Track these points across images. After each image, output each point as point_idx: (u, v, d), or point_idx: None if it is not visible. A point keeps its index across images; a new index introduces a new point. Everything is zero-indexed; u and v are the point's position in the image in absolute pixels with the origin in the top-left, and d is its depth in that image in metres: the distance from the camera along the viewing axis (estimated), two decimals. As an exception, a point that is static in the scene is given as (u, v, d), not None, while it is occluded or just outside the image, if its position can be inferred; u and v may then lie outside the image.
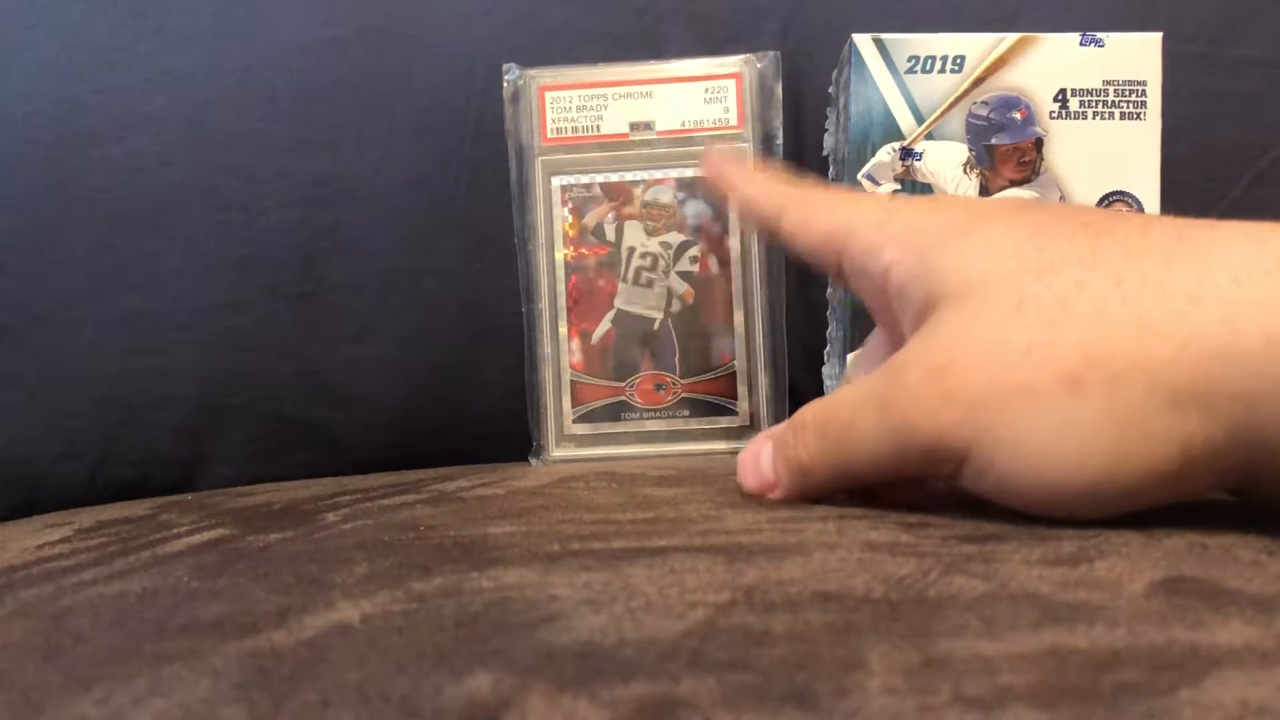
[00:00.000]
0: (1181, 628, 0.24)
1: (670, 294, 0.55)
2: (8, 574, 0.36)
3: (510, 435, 0.55)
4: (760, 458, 0.39)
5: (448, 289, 0.56)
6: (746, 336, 0.55)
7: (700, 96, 0.55)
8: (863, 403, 0.35)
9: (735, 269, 0.55)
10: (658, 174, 0.55)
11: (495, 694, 0.22)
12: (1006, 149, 0.49)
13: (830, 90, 0.55)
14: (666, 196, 0.55)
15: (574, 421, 0.55)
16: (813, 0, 0.56)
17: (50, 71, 0.56)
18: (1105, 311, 0.30)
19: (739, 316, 0.55)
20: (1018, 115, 0.49)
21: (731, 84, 0.55)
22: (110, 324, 0.56)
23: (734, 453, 0.54)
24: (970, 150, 0.50)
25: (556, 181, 0.55)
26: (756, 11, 0.56)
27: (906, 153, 0.50)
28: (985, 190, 0.49)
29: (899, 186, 0.49)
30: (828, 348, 0.54)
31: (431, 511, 0.41)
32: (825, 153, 0.55)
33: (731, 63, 0.55)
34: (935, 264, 0.34)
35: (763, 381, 0.55)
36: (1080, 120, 0.49)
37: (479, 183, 0.56)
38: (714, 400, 0.55)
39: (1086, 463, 0.30)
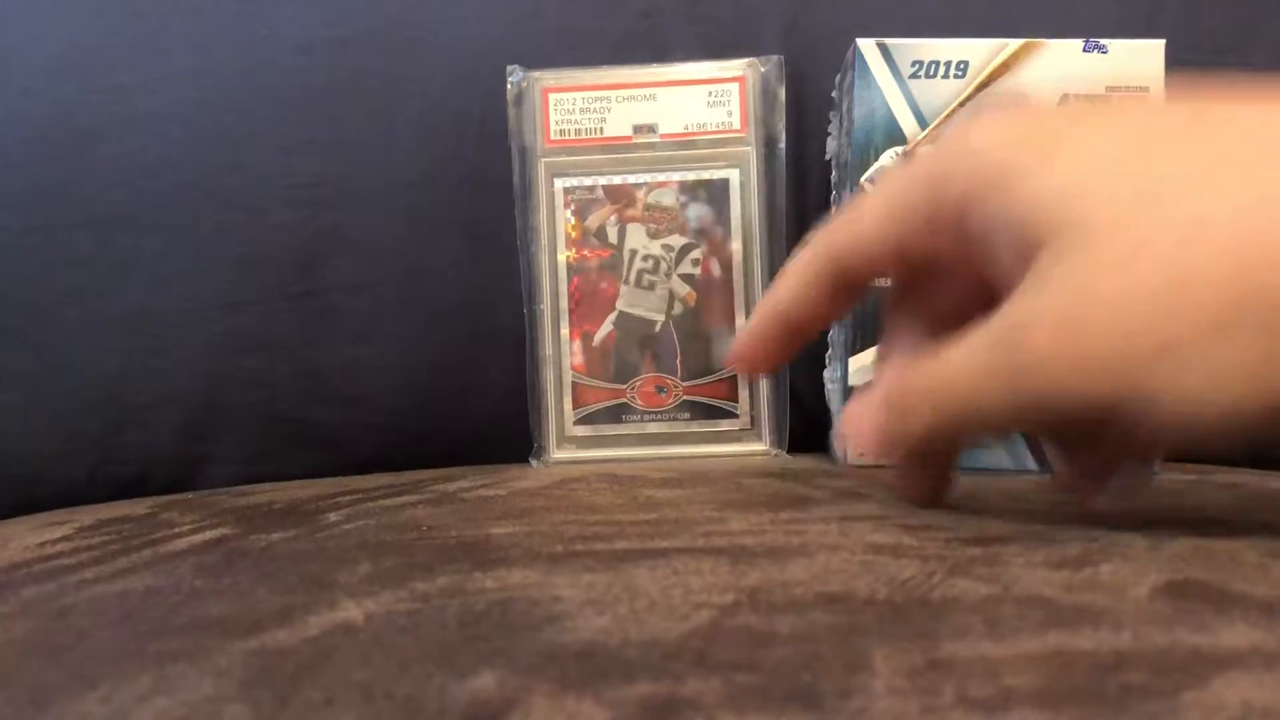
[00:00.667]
0: (1186, 630, 0.24)
1: (672, 296, 0.55)
2: (9, 572, 0.36)
3: (511, 437, 0.55)
4: (862, 419, 0.36)
5: (449, 290, 0.56)
6: (748, 339, 0.55)
7: (703, 100, 0.55)
8: (984, 373, 0.31)
9: (737, 272, 0.55)
10: (660, 177, 0.55)
11: (499, 693, 0.22)
12: None
13: (833, 95, 0.55)
14: (669, 199, 0.55)
15: (575, 423, 0.55)
16: (816, 4, 0.56)
17: (52, 71, 0.56)
18: (1240, 237, 0.27)
19: (740, 319, 0.55)
20: None
21: (735, 87, 0.55)
22: (111, 323, 0.55)
23: (734, 455, 0.54)
24: None
25: (559, 183, 0.55)
26: (760, 15, 0.57)
27: (909, 157, 0.49)
28: None
29: None
30: (829, 351, 0.54)
31: (433, 512, 0.41)
32: (828, 157, 0.55)
33: (735, 66, 0.55)
34: (1024, 194, 0.30)
35: (764, 384, 0.54)
36: None
37: (481, 184, 0.56)
38: (715, 403, 0.55)
39: (1244, 403, 0.27)
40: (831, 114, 0.55)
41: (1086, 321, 0.28)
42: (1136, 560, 0.30)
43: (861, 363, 0.49)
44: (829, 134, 0.55)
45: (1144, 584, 0.27)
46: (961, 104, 0.49)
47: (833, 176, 0.54)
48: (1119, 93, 0.49)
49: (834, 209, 0.54)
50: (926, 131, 0.49)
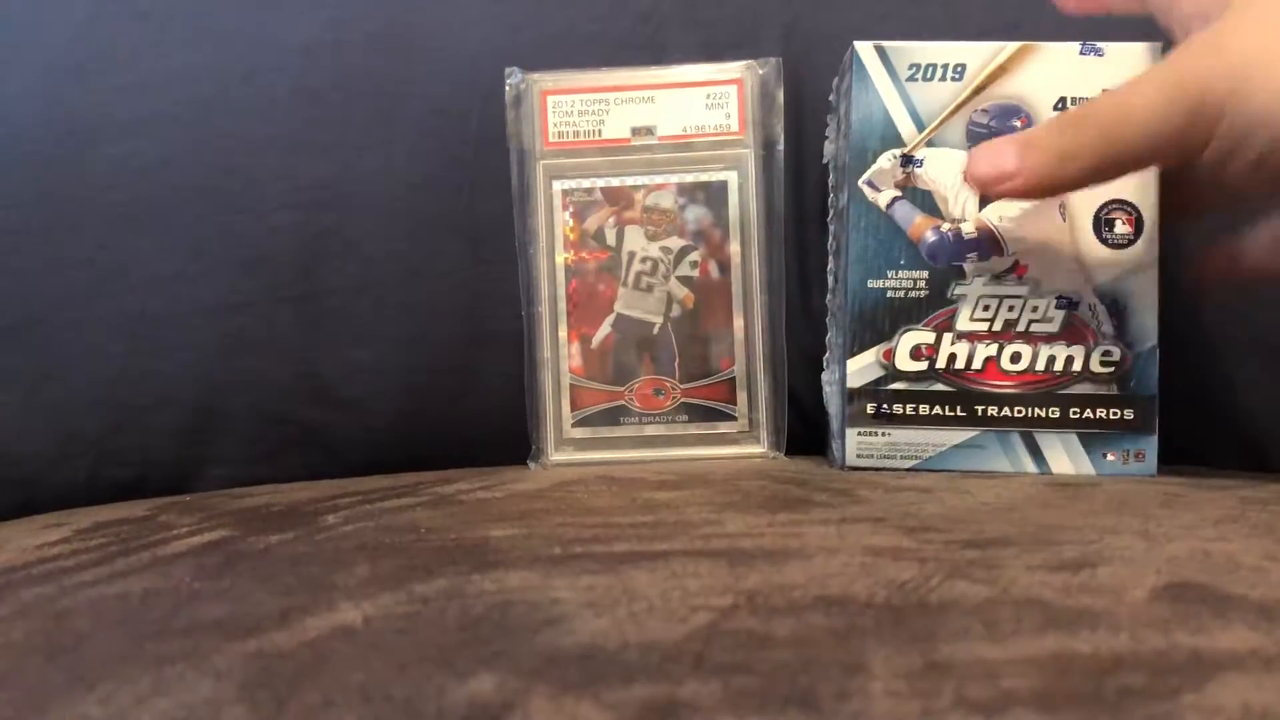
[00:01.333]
0: (1184, 633, 0.24)
1: (670, 299, 0.55)
2: (7, 574, 0.36)
3: (509, 439, 0.55)
4: (1001, 150, 0.42)
5: (448, 292, 0.56)
6: (746, 342, 0.55)
7: (702, 102, 0.55)
8: (1142, 79, 0.41)
9: (735, 274, 0.55)
10: (659, 179, 0.55)
11: (498, 696, 0.22)
12: None
13: (831, 98, 0.54)
14: (667, 201, 0.55)
15: (573, 425, 0.55)
16: (814, 7, 0.56)
17: (52, 73, 0.56)
18: None
19: (738, 322, 0.55)
20: (1018, 123, 0.49)
21: (733, 90, 0.55)
22: (110, 325, 0.55)
23: (733, 458, 0.54)
24: None
25: (558, 185, 0.55)
26: (758, 18, 0.57)
27: (907, 159, 0.49)
28: (985, 199, 0.49)
29: (899, 194, 0.49)
30: (827, 354, 0.54)
31: (431, 514, 0.41)
32: (825, 160, 0.55)
33: (733, 69, 0.55)
34: None
35: (762, 387, 0.55)
36: None
37: (480, 186, 0.56)
38: (713, 405, 0.55)
39: None
40: (829, 117, 0.55)
41: (1231, 33, 0.40)
42: (1134, 562, 0.30)
43: (861, 364, 0.49)
44: (826, 137, 0.55)
45: (1142, 586, 0.28)
46: (958, 107, 0.49)
47: (830, 179, 0.54)
48: None
49: (831, 213, 0.53)
50: (923, 134, 0.49)
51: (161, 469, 0.56)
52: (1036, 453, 0.48)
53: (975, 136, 0.49)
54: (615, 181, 0.55)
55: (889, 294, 0.49)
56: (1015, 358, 0.48)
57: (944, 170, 0.49)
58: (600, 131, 0.55)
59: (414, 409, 0.57)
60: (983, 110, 0.49)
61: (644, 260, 0.55)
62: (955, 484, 0.44)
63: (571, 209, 0.55)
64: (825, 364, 0.54)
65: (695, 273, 0.55)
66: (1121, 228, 0.48)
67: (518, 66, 0.55)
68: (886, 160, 0.49)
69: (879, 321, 0.49)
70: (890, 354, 0.49)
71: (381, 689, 0.23)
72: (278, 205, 0.56)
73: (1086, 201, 0.48)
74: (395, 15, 0.57)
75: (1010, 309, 0.48)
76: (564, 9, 0.57)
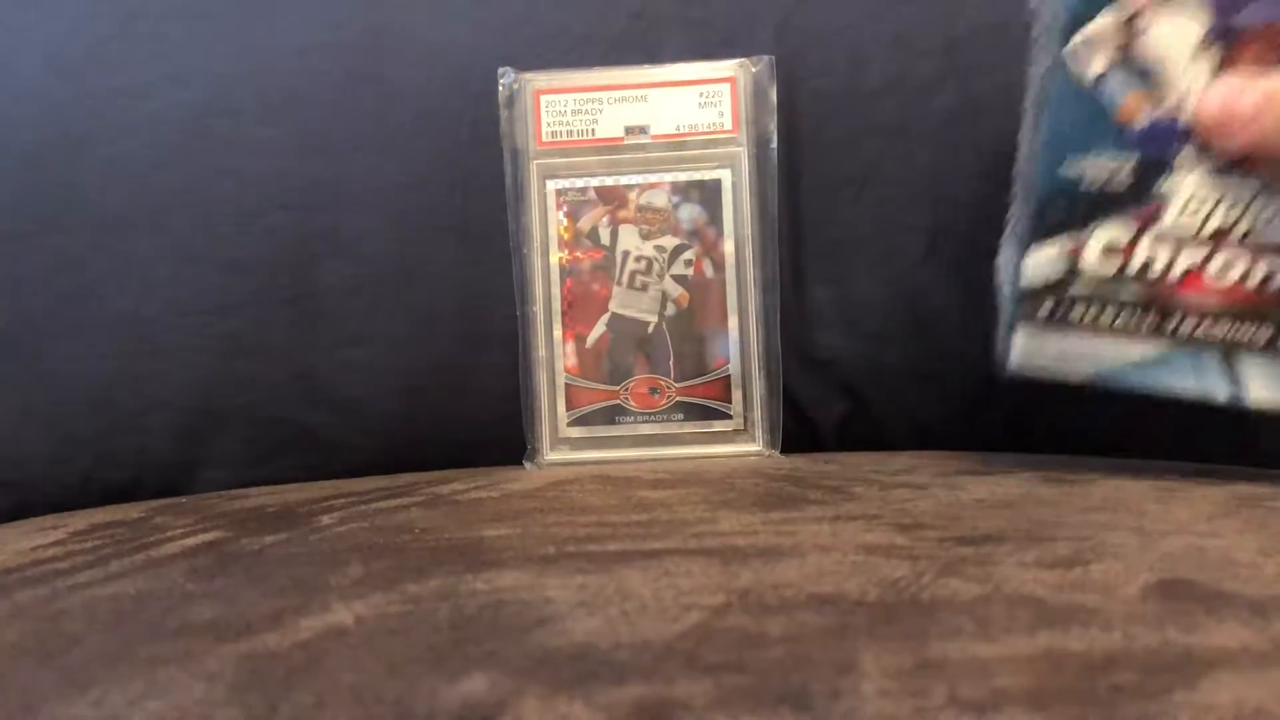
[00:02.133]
0: (1177, 630, 0.24)
1: (665, 298, 0.55)
2: (2, 576, 0.36)
3: (504, 439, 0.55)
4: (1241, 99, 0.39)
5: (442, 292, 0.56)
6: (741, 340, 0.55)
7: (695, 101, 0.55)
8: None
9: (730, 273, 0.55)
10: (652, 178, 0.55)
11: (490, 696, 0.22)
12: (1256, 29, 0.40)
13: None
14: (661, 200, 0.55)
15: (568, 425, 0.55)
16: (806, 4, 0.56)
17: (45, 75, 0.56)
18: None
19: (733, 320, 0.55)
20: None
21: (726, 88, 0.55)
22: (104, 327, 0.55)
23: (728, 456, 0.54)
24: (1211, 27, 0.40)
25: (551, 185, 0.55)
26: (751, 16, 0.56)
27: (1129, 19, 0.40)
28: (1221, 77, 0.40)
29: (1116, 60, 0.41)
30: (1007, 230, 0.46)
31: (426, 514, 0.41)
32: (1032, 4, 0.44)
33: (726, 67, 0.55)
34: None
35: (757, 385, 0.54)
36: None
37: (474, 186, 0.56)
38: (708, 404, 0.55)
39: None
40: None
41: None
42: (1128, 559, 0.30)
43: (1043, 257, 0.42)
44: None
45: (1135, 583, 0.28)
46: None
47: (1033, 29, 0.44)
48: None
49: (1032, 64, 0.44)
50: None
51: (157, 471, 0.56)
52: (1234, 378, 0.42)
53: (1222, 1, 0.40)
54: (609, 181, 0.55)
55: (1085, 181, 0.42)
56: (1225, 269, 0.41)
57: (1175, 39, 0.40)
58: (593, 131, 0.55)
59: (409, 409, 0.57)
60: None
61: (638, 259, 0.55)
62: (950, 480, 0.44)
63: (565, 208, 0.55)
64: (1003, 242, 0.46)
65: (690, 271, 0.55)
66: None
67: (510, 66, 0.55)
68: (1102, 22, 0.41)
69: (1070, 210, 0.42)
70: (1078, 251, 0.42)
71: (373, 689, 0.23)
72: (271, 207, 0.56)
73: None
74: (387, 16, 0.56)
75: (1228, 211, 0.40)
76: (556, 8, 0.57)
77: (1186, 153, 0.41)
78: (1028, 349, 0.43)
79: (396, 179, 0.56)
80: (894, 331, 0.56)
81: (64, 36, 0.56)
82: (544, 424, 0.55)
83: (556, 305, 0.55)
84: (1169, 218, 0.41)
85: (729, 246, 0.55)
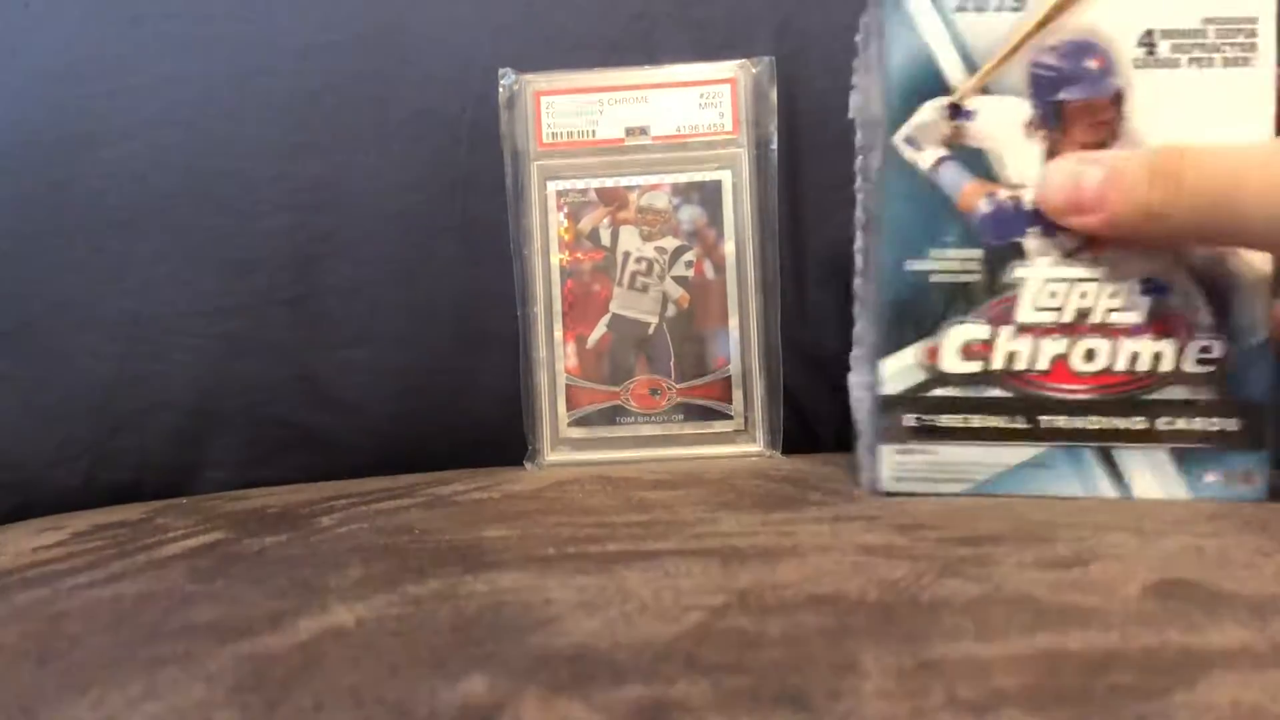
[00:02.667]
0: (1175, 630, 0.24)
1: (665, 298, 0.55)
2: (3, 577, 0.36)
3: (505, 440, 0.55)
4: (1083, 179, 0.38)
5: (443, 293, 0.56)
6: (741, 341, 0.55)
7: (695, 102, 0.55)
8: (1261, 163, 0.36)
9: (730, 273, 0.55)
10: (653, 179, 0.55)
11: (490, 697, 0.22)
12: (1078, 106, 0.40)
13: (858, 38, 0.45)
14: (662, 201, 0.55)
15: (569, 426, 0.55)
16: (807, 5, 0.56)
17: (46, 76, 0.56)
18: None
19: (734, 321, 0.55)
20: (1093, 64, 0.40)
21: (726, 89, 0.55)
22: (105, 328, 0.55)
23: (729, 457, 0.54)
24: (1034, 108, 0.40)
25: (552, 186, 0.55)
26: (751, 17, 0.56)
27: (956, 110, 0.41)
28: (1052, 157, 0.40)
29: (946, 153, 0.41)
30: (855, 350, 0.45)
31: (426, 515, 0.41)
32: (851, 115, 0.46)
33: (726, 68, 0.55)
34: None
35: (758, 386, 0.54)
36: (1172, 69, 0.40)
37: (474, 187, 0.56)
38: (709, 405, 0.55)
39: None
40: (855, 62, 0.46)
41: None
42: (1127, 560, 0.30)
43: (898, 365, 0.41)
44: (852, 86, 0.46)
45: (1134, 583, 0.28)
46: (1020, 44, 0.40)
47: (858, 138, 0.45)
48: (1217, 26, 0.40)
49: (859, 180, 0.45)
50: (976, 78, 0.41)
51: (158, 472, 0.56)
52: (1116, 473, 0.40)
53: (1040, 81, 0.40)
54: (609, 182, 0.55)
55: (933, 278, 0.41)
56: (1090, 356, 0.40)
57: (1001, 123, 0.41)
58: (594, 132, 0.55)
59: (410, 410, 0.57)
60: (1050, 48, 0.40)
61: (639, 260, 0.55)
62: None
63: (566, 209, 0.55)
64: (852, 363, 0.45)
65: (690, 272, 0.55)
66: None
67: (511, 67, 0.55)
68: (930, 112, 0.41)
69: (921, 313, 0.41)
70: (935, 353, 0.41)
71: (373, 691, 0.23)
72: (272, 208, 0.56)
73: None
74: (388, 17, 0.57)
75: (1084, 296, 0.40)
76: (557, 10, 0.57)
77: (1033, 239, 0.40)
78: (896, 468, 0.41)
79: (396, 179, 0.56)
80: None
81: (66, 38, 0.57)
82: (544, 425, 0.55)
83: (557, 306, 0.55)
84: (1024, 308, 0.40)
85: (729, 247, 0.55)
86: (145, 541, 0.39)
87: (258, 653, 0.26)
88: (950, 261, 0.41)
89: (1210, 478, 0.39)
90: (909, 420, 0.41)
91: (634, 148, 0.55)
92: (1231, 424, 0.39)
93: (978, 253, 0.40)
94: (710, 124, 0.55)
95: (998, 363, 0.40)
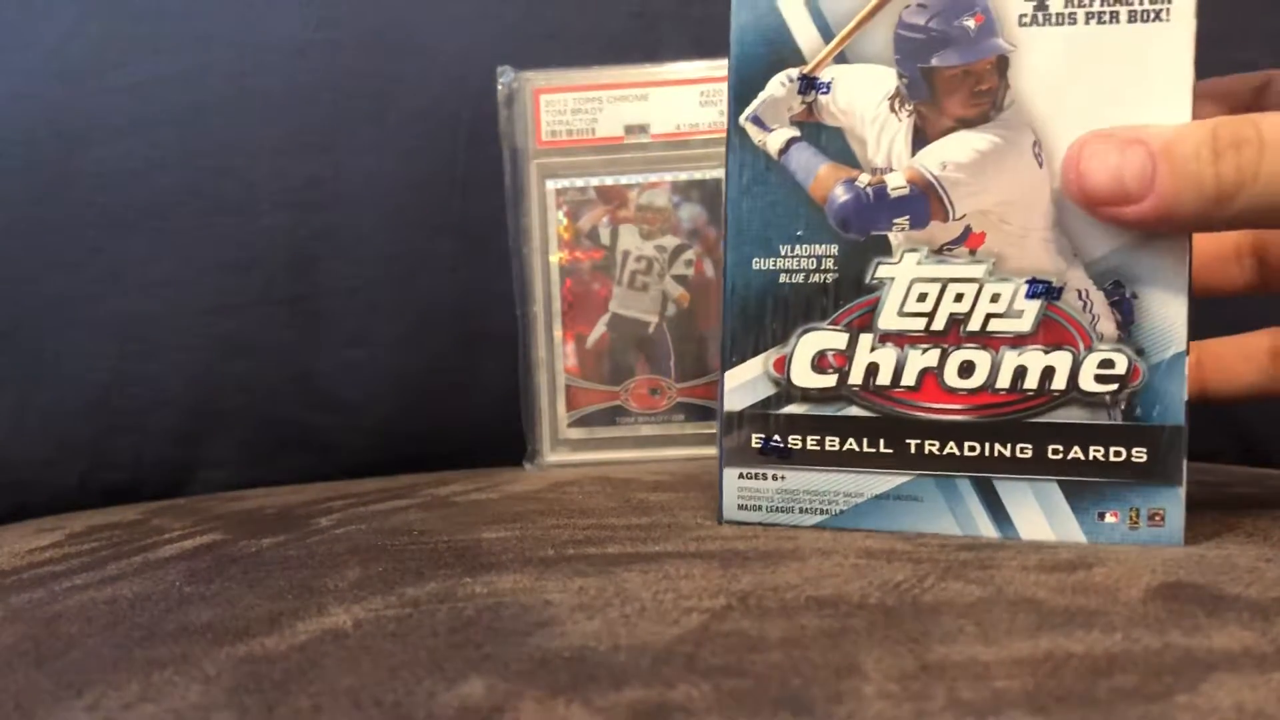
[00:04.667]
0: (1178, 633, 0.24)
1: (665, 298, 0.55)
2: (-2, 579, 0.36)
3: (504, 440, 0.55)
4: (1126, 157, 0.31)
5: (442, 292, 0.56)
6: (741, 341, 0.55)
7: (695, 100, 0.55)
8: None
9: (730, 273, 0.55)
10: (653, 177, 0.55)
11: (488, 700, 0.22)
12: (954, 73, 0.34)
13: None
14: (662, 200, 0.55)
15: (568, 426, 0.55)
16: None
17: (43, 75, 0.56)
18: None
19: (734, 320, 0.55)
20: (971, 23, 0.34)
21: (726, 87, 0.55)
22: (102, 328, 0.55)
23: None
24: (901, 77, 0.34)
25: (551, 185, 0.55)
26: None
27: (809, 83, 0.35)
28: (921, 135, 0.34)
29: (797, 134, 0.35)
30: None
31: (424, 516, 0.40)
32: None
33: (727, 65, 0.55)
34: None
35: (758, 386, 0.54)
36: (1067, 26, 0.33)
37: (473, 186, 0.56)
38: (709, 405, 0.55)
39: None
40: None
41: None
42: (1129, 562, 0.30)
43: (742, 378, 0.36)
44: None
45: (1136, 586, 0.27)
46: (882, 2, 0.34)
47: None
48: None
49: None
50: (832, 45, 0.35)
51: (155, 472, 0.56)
52: (997, 508, 0.34)
53: (907, 45, 0.34)
54: (609, 180, 0.55)
55: (782, 279, 0.35)
56: (966, 370, 0.34)
57: (861, 96, 0.35)
58: (593, 130, 0.55)
59: (409, 410, 0.57)
60: (919, 5, 0.34)
61: (639, 259, 0.55)
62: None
63: (565, 208, 0.55)
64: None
65: (690, 271, 0.55)
66: None
67: (510, 65, 0.55)
68: (779, 85, 0.35)
69: (768, 317, 0.36)
70: (784, 364, 0.35)
71: (371, 693, 0.23)
72: (270, 206, 0.56)
73: (1076, 135, 0.33)
74: (386, 15, 0.56)
75: (958, 299, 0.34)
76: (556, 7, 0.57)
77: (899, 232, 0.34)
78: (741, 495, 0.36)
79: (395, 179, 0.56)
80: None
81: (62, 37, 0.56)
82: (544, 425, 0.55)
83: (556, 305, 0.55)
84: (887, 313, 0.34)
85: (729, 246, 0.55)
86: (142, 542, 0.39)
87: (255, 655, 0.26)
88: (802, 259, 0.35)
89: (1110, 517, 0.33)
90: (754, 440, 0.36)
91: (634, 146, 0.55)
92: (1138, 453, 0.33)
93: (833, 248, 0.35)
94: (710, 122, 0.55)
95: (856, 377, 0.35)
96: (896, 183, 0.34)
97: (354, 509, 0.43)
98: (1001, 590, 0.27)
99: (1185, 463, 0.33)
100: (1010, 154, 0.34)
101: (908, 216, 0.34)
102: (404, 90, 0.56)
